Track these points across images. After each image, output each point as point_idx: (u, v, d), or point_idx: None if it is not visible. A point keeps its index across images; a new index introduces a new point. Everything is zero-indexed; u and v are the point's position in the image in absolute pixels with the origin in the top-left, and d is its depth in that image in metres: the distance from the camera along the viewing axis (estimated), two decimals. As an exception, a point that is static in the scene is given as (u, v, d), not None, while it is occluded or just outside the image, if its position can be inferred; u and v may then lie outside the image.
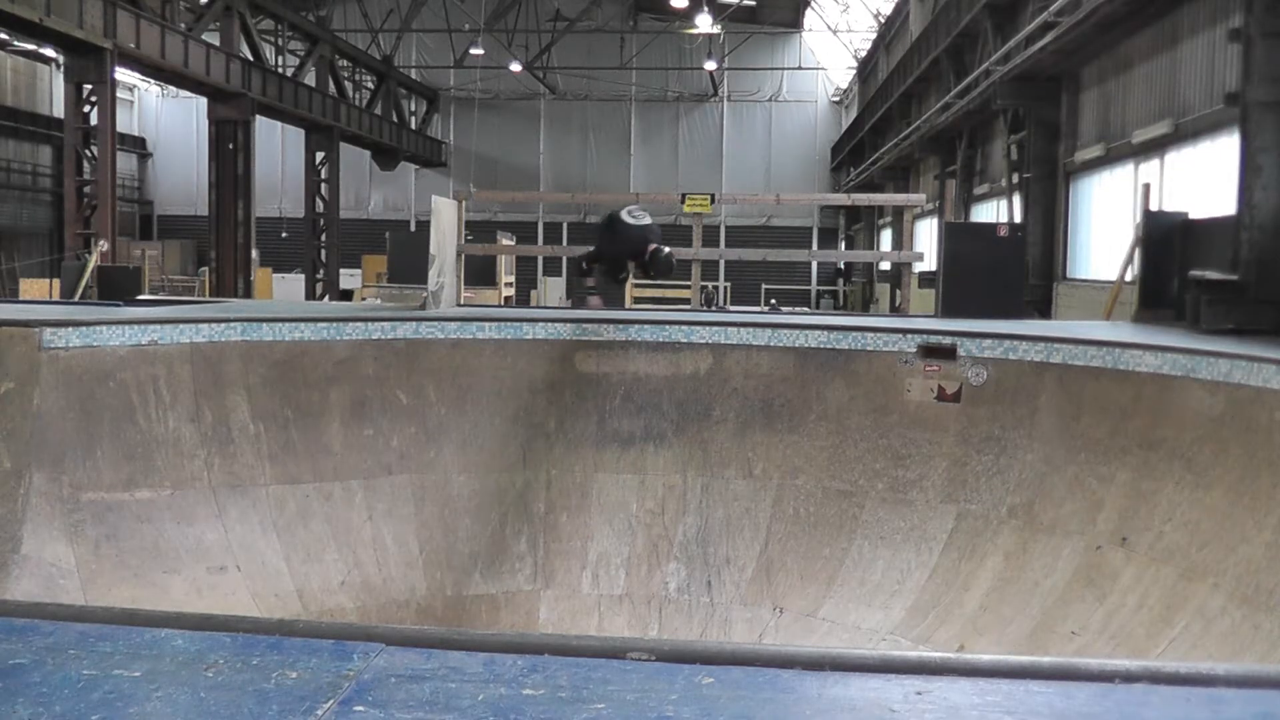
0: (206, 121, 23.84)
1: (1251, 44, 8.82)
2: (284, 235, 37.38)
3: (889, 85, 30.48)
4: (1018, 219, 17.85)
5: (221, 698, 1.55)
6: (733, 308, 28.83)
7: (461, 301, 10.17)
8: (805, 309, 31.03)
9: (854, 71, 39.49)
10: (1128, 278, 11.14)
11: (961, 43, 22.28)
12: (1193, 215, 10.11)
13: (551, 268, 37.31)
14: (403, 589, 6.35)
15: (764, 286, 35.96)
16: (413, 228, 37.61)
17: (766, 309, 25.97)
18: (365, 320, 6.91)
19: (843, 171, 39.53)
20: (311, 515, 6.32)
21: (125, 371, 5.98)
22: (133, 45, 19.14)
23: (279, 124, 31.07)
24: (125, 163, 35.60)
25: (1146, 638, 4.73)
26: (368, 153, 34.69)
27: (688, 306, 15.79)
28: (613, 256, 7.93)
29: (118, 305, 8.82)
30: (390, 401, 6.75)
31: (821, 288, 40.08)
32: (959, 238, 9.87)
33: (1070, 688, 1.58)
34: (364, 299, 20.48)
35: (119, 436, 5.88)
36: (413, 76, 38.04)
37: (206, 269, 25.42)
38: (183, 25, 21.89)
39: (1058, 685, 1.59)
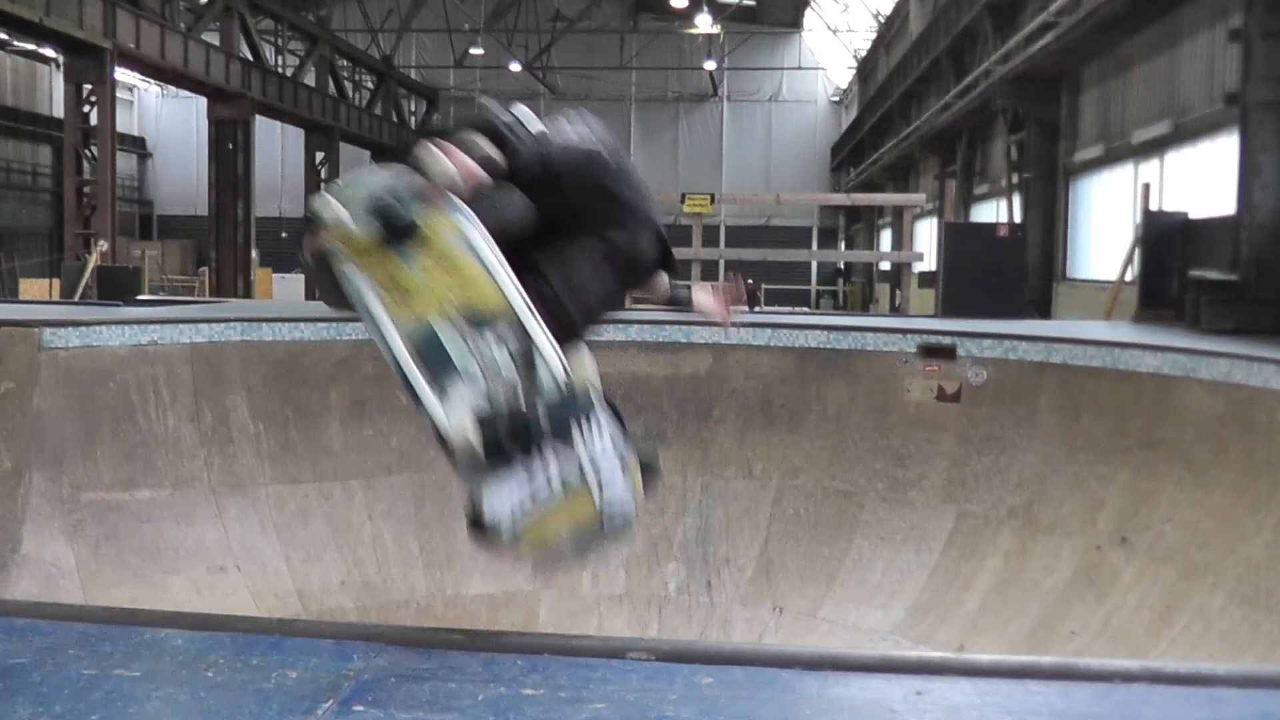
0: (206, 121, 23.84)
1: (1251, 44, 8.82)
2: (284, 235, 37.38)
3: (889, 85, 30.49)
4: (1018, 219, 17.85)
5: (221, 698, 1.55)
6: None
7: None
8: (805, 309, 31.04)
9: (854, 71, 39.50)
10: (1128, 278, 11.14)
11: (961, 43, 22.28)
12: (1193, 215, 10.12)
13: (551, 268, 37.25)
14: (403, 589, 6.35)
15: (764, 286, 35.94)
16: (413, 228, 37.52)
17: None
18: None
19: (843, 171, 39.54)
20: (311, 515, 6.32)
21: (125, 371, 5.98)
22: (133, 45, 19.15)
23: (279, 124, 31.08)
24: (125, 163, 35.59)
25: (1146, 638, 4.73)
26: (368, 153, 34.70)
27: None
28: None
29: (118, 305, 8.82)
30: (390, 401, 6.74)
31: (821, 288, 40.06)
32: (959, 238, 9.88)
33: (1070, 688, 1.58)
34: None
35: (119, 436, 5.88)
36: (412, 76, 38.03)
37: (206, 269, 25.41)
38: (183, 25, 21.90)
39: (1058, 685, 1.59)
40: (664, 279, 2.92)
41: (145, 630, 1.81)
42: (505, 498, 2.11)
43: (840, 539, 6.40)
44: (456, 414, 2.09)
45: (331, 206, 2.18)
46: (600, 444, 2.15)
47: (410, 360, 2.14)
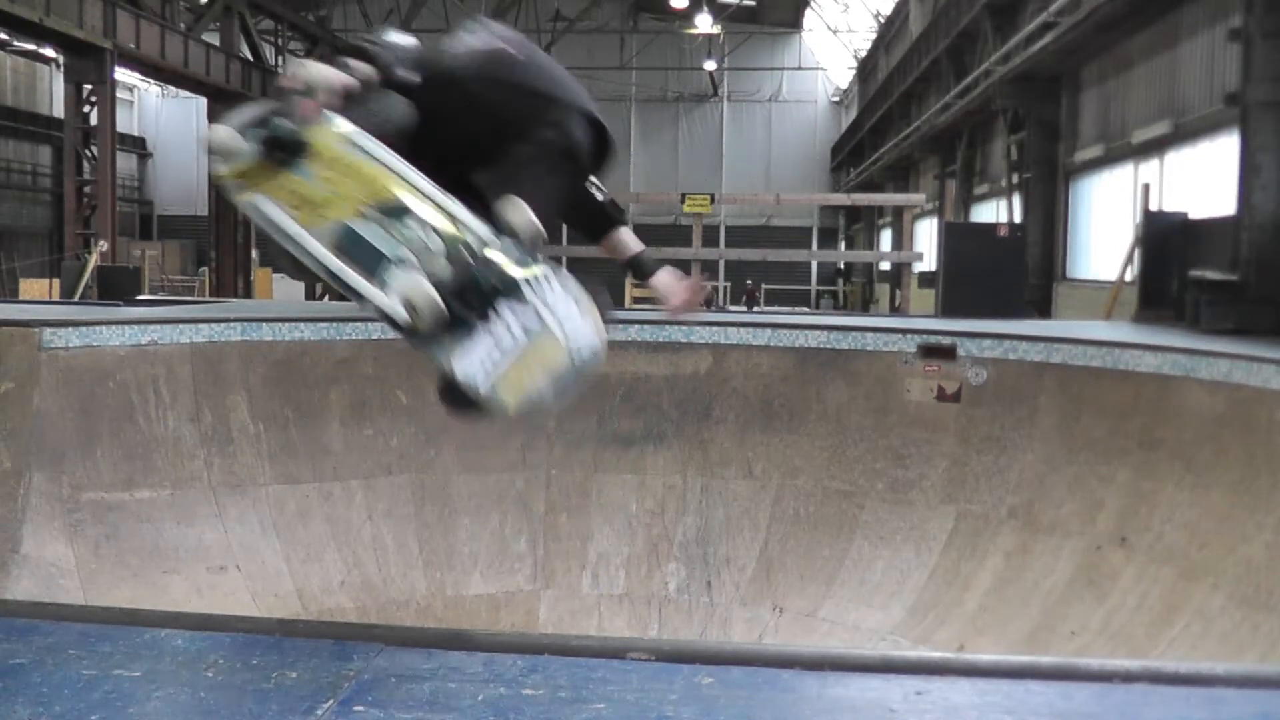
0: (206, 121, 23.86)
1: (1251, 44, 8.83)
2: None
3: (889, 85, 30.51)
4: (1018, 219, 17.87)
5: (221, 698, 1.55)
6: (731, 307, 28.86)
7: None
8: (805, 309, 31.05)
9: (854, 71, 39.53)
10: (1127, 278, 11.15)
11: (961, 43, 22.30)
12: (1193, 215, 10.12)
13: (551, 268, 37.24)
14: (403, 589, 6.35)
15: (764, 286, 35.94)
16: (413, 228, 37.55)
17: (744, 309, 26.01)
18: (365, 320, 6.91)
19: (843, 171, 39.55)
20: (311, 515, 6.32)
21: (125, 371, 5.98)
22: (133, 45, 19.16)
23: (279, 124, 31.06)
24: (125, 163, 35.59)
25: (1146, 638, 4.73)
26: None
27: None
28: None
29: (118, 305, 8.82)
30: (390, 401, 6.75)
31: (821, 288, 40.07)
32: (959, 238, 9.90)
33: (1070, 688, 1.58)
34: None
35: (119, 436, 5.88)
36: (413, 76, 38.01)
37: (206, 269, 25.41)
38: (183, 25, 21.91)
39: (1058, 685, 1.59)
40: (632, 239, 2.75)
41: (145, 630, 1.81)
42: (474, 357, 2.11)
43: (840, 539, 6.40)
44: (404, 285, 2.10)
45: (221, 134, 2.20)
46: (551, 290, 2.16)
47: (340, 261, 2.15)
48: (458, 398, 2.21)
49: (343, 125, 2.23)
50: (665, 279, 2.74)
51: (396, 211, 2.16)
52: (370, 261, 2.15)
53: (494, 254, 2.15)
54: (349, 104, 2.27)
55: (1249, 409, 4.89)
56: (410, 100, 2.41)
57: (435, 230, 2.15)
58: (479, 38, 2.56)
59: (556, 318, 2.14)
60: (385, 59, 2.41)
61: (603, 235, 2.72)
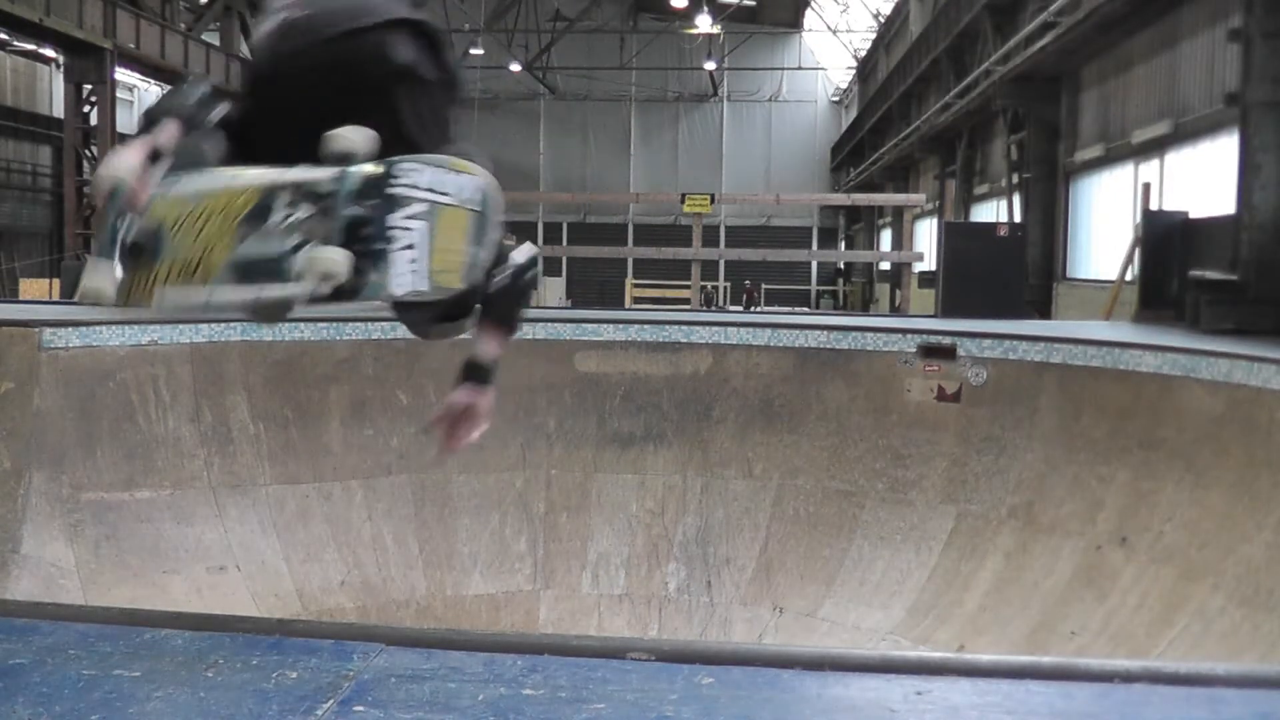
0: (206, 122, 23.84)
1: (1251, 44, 8.83)
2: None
3: (889, 85, 30.53)
4: (1018, 219, 17.86)
5: (221, 698, 1.55)
6: (732, 307, 28.86)
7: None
8: (805, 309, 31.05)
9: (854, 71, 39.55)
10: (1128, 278, 11.15)
11: (961, 43, 22.31)
12: (1193, 215, 10.12)
13: (551, 268, 37.29)
14: (403, 589, 6.35)
15: (764, 286, 35.95)
16: (413, 228, 37.55)
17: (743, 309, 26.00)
18: (365, 320, 6.92)
19: (843, 171, 39.56)
20: (311, 515, 6.33)
21: (125, 371, 5.98)
22: (133, 45, 19.18)
23: (279, 124, 31.05)
24: (125, 163, 35.51)
25: (1146, 638, 4.73)
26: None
27: (688, 307, 15.81)
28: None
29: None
30: (390, 401, 6.75)
31: (821, 288, 40.07)
32: (959, 238, 9.88)
33: (1070, 688, 1.58)
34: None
35: (119, 436, 5.88)
36: (413, 76, 37.99)
37: (206, 269, 25.41)
38: (182, 25, 21.91)
39: (1058, 685, 1.59)
40: (500, 345, 2.37)
41: (145, 630, 1.81)
42: (399, 272, 2.18)
43: (840, 539, 6.40)
44: (307, 266, 2.17)
45: (89, 284, 2.21)
46: (417, 173, 2.22)
47: (250, 291, 2.22)
48: (421, 317, 2.25)
49: (172, 187, 2.26)
50: (463, 400, 2.36)
51: (257, 214, 2.23)
52: (272, 268, 2.21)
53: (349, 183, 2.22)
54: (163, 167, 2.26)
55: (1249, 409, 4.89)
56: (226, 130, 2.38)
57: (291, 202, 2.23)
58: (270, 22, 2.39)
59: (435, 190, 2.22)
60: (178, 111, 2.34)
61: (481, 318, 2.39)
